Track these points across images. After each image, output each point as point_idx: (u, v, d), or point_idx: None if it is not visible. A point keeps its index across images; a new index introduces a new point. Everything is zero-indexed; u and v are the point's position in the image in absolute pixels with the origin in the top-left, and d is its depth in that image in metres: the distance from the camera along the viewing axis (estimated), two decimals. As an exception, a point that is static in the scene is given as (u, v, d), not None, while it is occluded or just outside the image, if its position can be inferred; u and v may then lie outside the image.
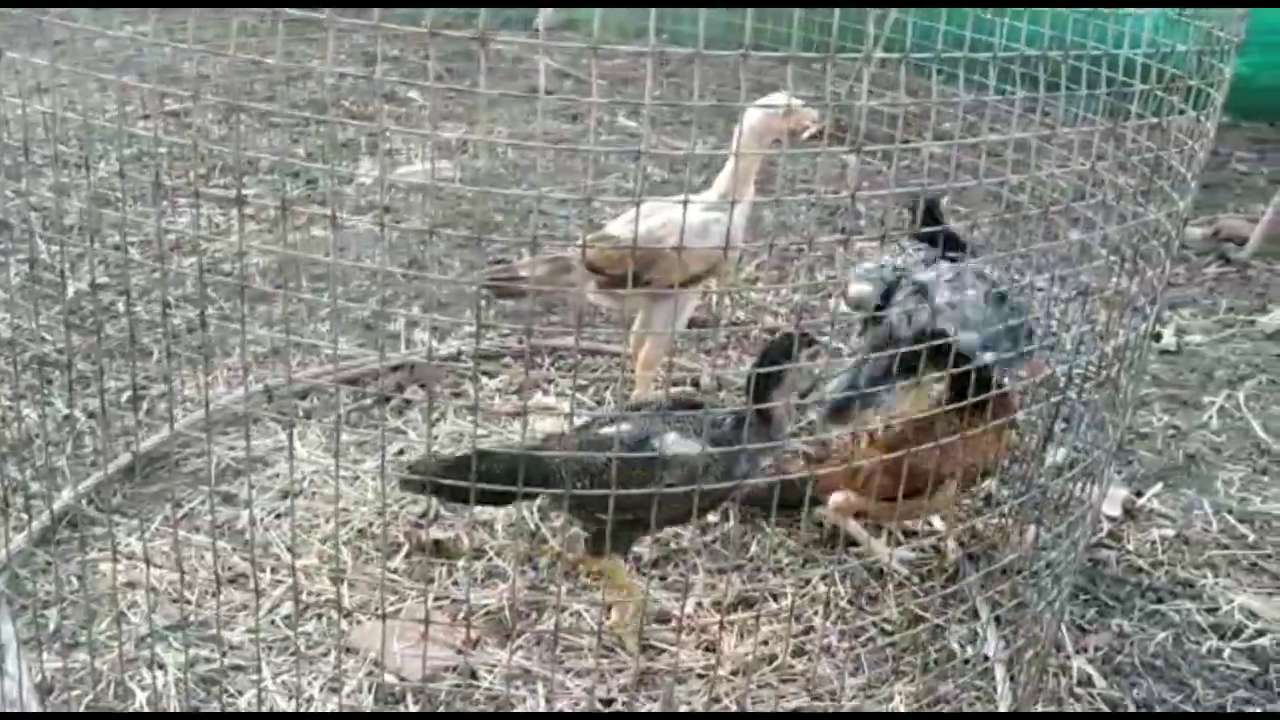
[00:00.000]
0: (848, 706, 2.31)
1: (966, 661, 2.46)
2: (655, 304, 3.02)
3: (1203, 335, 4.28)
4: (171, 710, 2.20)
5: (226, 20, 1.32)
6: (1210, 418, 3.65)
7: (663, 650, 2.43)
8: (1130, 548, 2.94)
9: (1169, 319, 4.40)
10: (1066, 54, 1.49)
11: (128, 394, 3.14)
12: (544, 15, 8.01)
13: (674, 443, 2.17)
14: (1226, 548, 2.97)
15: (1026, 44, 1.85)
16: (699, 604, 2.56)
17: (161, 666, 2.28)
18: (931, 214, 2.51)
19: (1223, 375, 3.95)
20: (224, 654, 2.28)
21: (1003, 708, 2.31)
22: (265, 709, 2.21)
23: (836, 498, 2.66)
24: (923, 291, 2.30)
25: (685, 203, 1.29)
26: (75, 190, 2.82)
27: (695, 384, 3.57)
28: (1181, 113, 1.89)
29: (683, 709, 2.27)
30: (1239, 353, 4.14)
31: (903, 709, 2.31)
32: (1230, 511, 3.12)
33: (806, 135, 5.86)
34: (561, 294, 3.14)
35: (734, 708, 2.28)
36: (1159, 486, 3.22)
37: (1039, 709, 2.38)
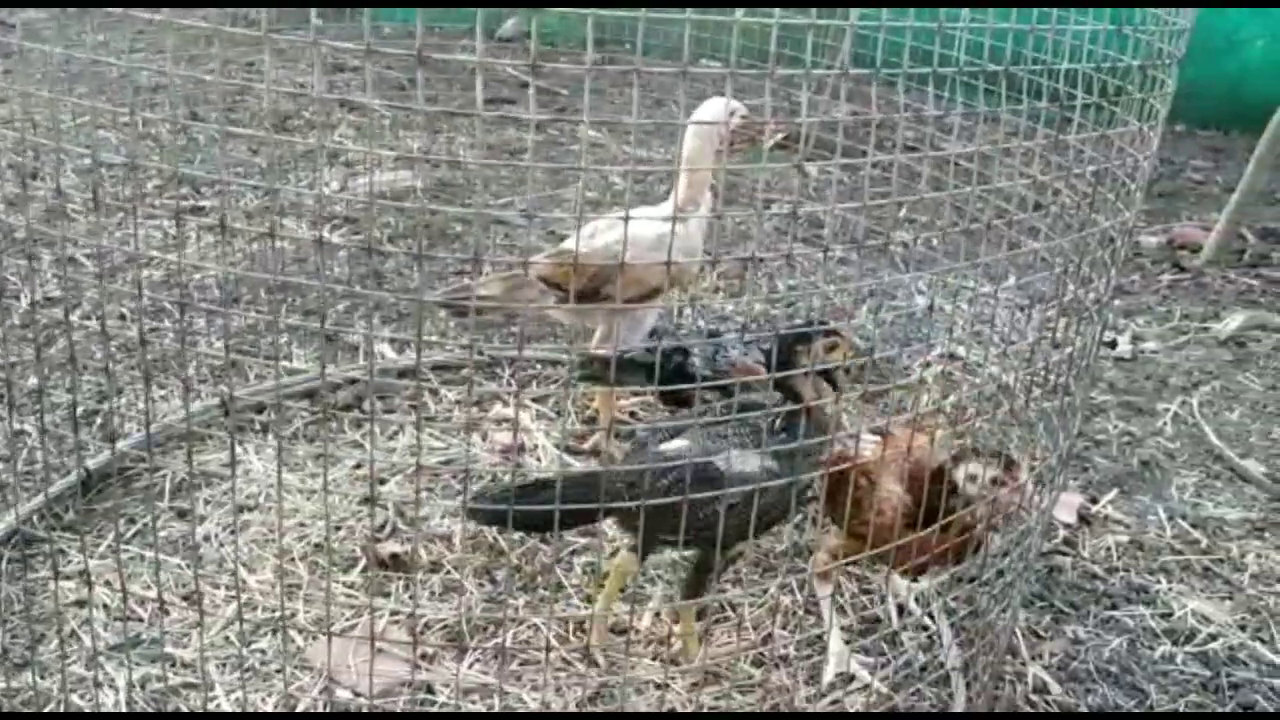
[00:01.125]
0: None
1: (923, 669, 2.47)
2: (615, 317, 3.02)
3: (1157, 342, 4.33)
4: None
5: (183, 30, 1.31)
6: (1164, 424, 3.69)
7: (619, 660, 2.43)
8: (1085, 554, 2.97)
9: (1125, 326, 4.46)
10: (1006, 66, 1.50)
11: (80, 409, 3.10)
12: (507, 25, 8.03)
13: (738, 459, 2.12)
14: (1180, 553, 3.00)
15: (971, 55, 1.87)
16: (657, 615, 2.56)
17: (113, 685, 2.24)
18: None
19: (1177, 382, 4.00)
20: (172, 671, 2.25)
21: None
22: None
23: (820, 556, 2.47)
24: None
25: (627, 218, 1.29)
26: (24, 202, 2.78)
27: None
28: (1125, 124, 1.92)
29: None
30: (1193, 359, 4.20)
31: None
32: (1184, 517, 3.16)
33: (769, 144, 5.90)
34: (520, 309, 3.13)
35: None
36: (1114, 493, 3.25)
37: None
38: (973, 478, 2.13)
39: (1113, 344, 4.25)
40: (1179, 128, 7.54)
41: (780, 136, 5.89)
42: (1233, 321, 4.48)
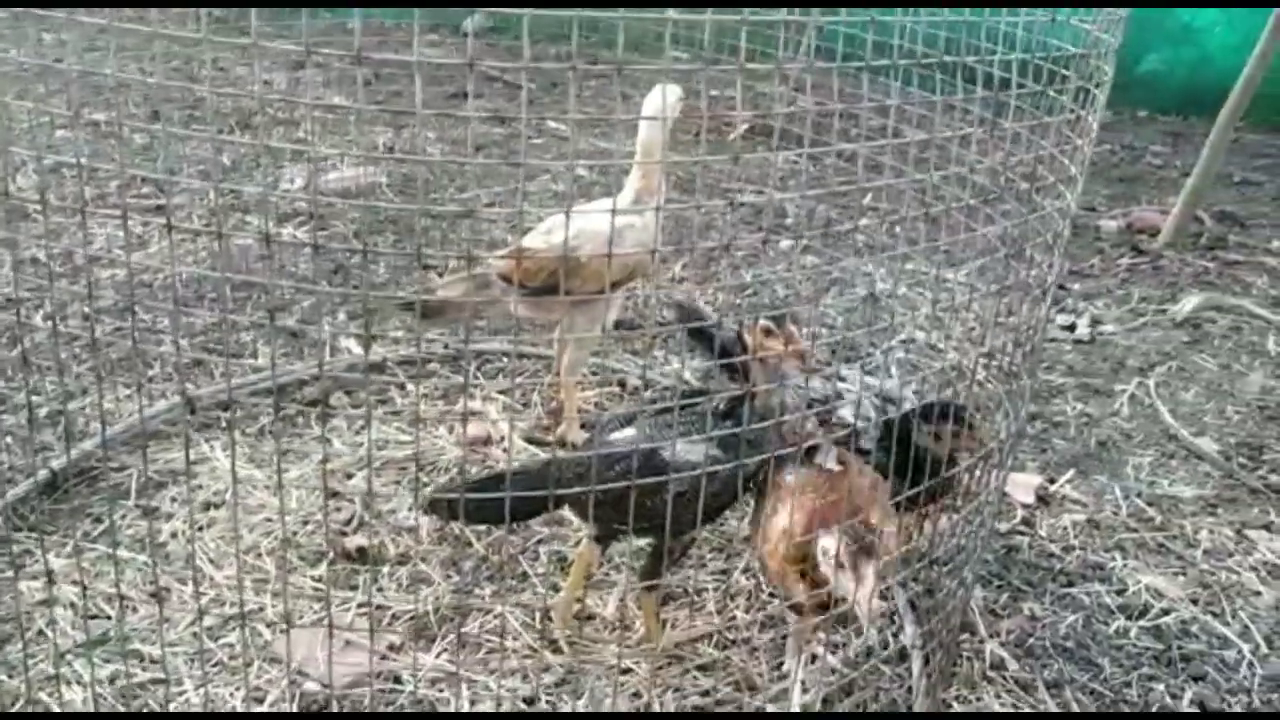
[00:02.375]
0: (768, 692, 2.36)
1: (878, 648, 2.52)
2: (578, 310, 3.05)
3: (1115, 325, 4.40)
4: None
5: (130, 32, 1.33)
6: (1121, 405, 3.76)
7: (583, 647, 2.47)
8: (1043, 533, 3.03)
9: (1083, 309, 4.52)
10: (941, 56, 1.54)
11: (46, 410, 3.11)
12: (472, 19, 8.03)
13: (684, 450, 2.14)
14: (1135, 531, 3.07)
15: (911, 42, 1.91)
16: (623, 600, 2.59)
17: (80, 682, 2.26)
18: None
19: (1134, 363, 4.07)
20: (140, 667, 2.27)
21: (918, 693, 2.37)
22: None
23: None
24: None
25: (568, 213, 1.32)
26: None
27: (621, 384, 3.61)
28: (1064, 110, 1.96)
29: (605, 703, 2.30)
30: (1150, 341, 4.27)
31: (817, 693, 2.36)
32: (1139, 495, 3.22)
33: (733, 137, 5.94)
34: (485, 307, 3.15)
35: (655, 702, 2.31)
36: (1071, 473, 3.32)
37: (952, 693, 2.44)
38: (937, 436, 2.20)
39: (1071, 327, 4.31)
40: (1140, 113, 7.63)
41: (745, 127, 5.94)
42: (1189, 303, 4.55)
